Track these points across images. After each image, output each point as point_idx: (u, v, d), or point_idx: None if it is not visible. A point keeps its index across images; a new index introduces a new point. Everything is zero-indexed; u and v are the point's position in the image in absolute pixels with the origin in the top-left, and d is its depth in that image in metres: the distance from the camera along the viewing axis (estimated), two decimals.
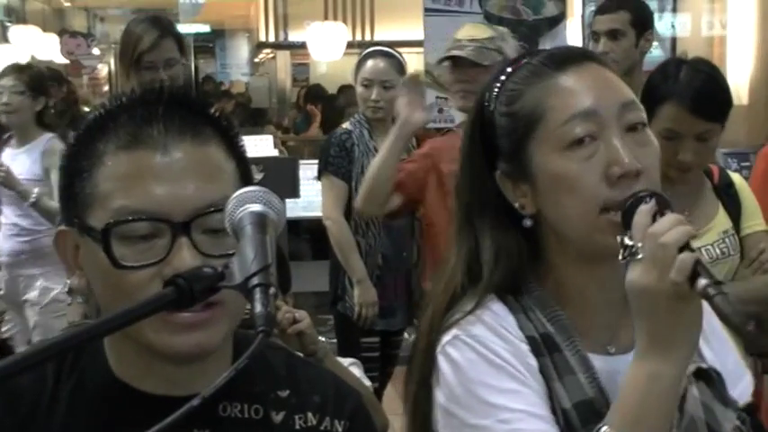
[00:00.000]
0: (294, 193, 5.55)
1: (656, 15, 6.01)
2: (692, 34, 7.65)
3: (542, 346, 1.34)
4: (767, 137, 3.64)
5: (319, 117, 10.89)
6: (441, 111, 5.37)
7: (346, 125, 4.29)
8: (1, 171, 4.67)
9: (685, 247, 1.19)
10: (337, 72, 12.35)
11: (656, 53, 5.77)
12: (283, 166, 5.73)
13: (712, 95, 2.61)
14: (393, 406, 4.73)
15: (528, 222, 1.38)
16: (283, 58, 15.43)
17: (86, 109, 9.34)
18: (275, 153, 6.38)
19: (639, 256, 1.22)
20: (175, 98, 1.23)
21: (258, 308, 0.95)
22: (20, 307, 4.96)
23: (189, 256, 1.14)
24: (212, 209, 1.13)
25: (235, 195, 1.06)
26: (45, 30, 12.57)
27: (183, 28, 9.63)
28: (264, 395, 1.28)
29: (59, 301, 4.51)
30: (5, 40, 11.72)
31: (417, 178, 3.49)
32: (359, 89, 4.22)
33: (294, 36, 14.45)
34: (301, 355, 2.34)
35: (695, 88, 2.57)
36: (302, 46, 13.23)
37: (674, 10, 6.29)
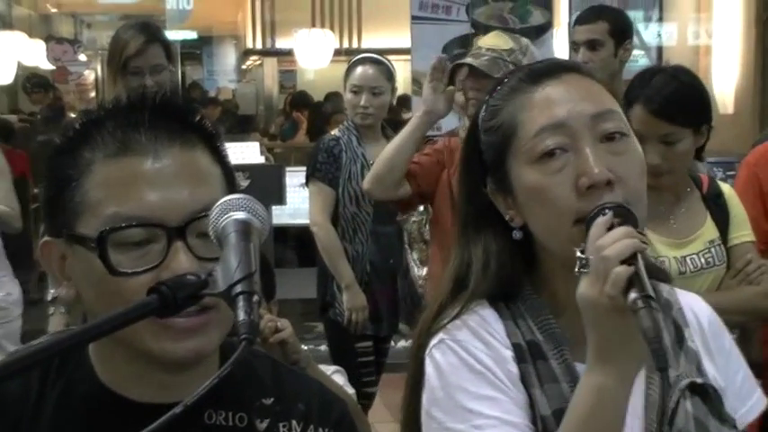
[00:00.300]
0: (280, 200, 5.55)
1: (642, 24, 6.05)
2: (679, 43, 7.68)
3: (527, 354, 1.35)
4: (754, 145, 3.64)
5: (305, 124, 10.88)
6: None
7: (335, 132, 4.29)
8: None
9: (630, 260, 1.19)
10: (324, 79, 12.37)
11: (642, 62, 5.80)
12: (269, 174, 5.73)
13: (677, 99, 2.62)
14: (379, 414, 4.74)
15: (517, 234, 1.39)
16: (270, 64, 15.45)
17: (73, 115, 9.32)
18: (262, 160, 6.37)
19: (587, 269, 1.23)
20: (161, 104, 1.23)
21: (241, 315, 0.95)
22: None
23: (185, 259, 1.14)
24: (205, 213, 1.12)
25: (219, 203, 1.06)
26: (31, 36, 12.56)
27: (171, 34, 9.61)
28: (249, 403, 1.28)
29: (2, 308, 4.51)
30: None
31: (431, 172, 3.49)
32: (348, 95, 4.22)
33: (281, 43, 14.47)
34: None
35: (659, 91, 2.59)
36: (289, 53, 13.26)
37: (661, 19, 6.32)
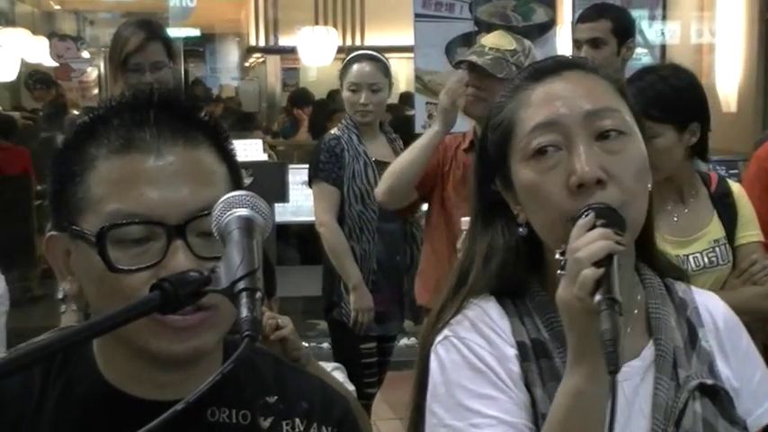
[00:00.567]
0: (283, 197, 5.55)
1: (645, 23, 6.04)
2: (682, 42, 7.67)
3: (530, 352, 1.35)
4: (755, 144, 3.64)
5: (306, 121, 10.87)
6: (430, 116, 5.37)
7: (334, 131, 4.27)
8: None
9: (603, 262, 1.19)
10: (327, 77, 12.35)
11: (645, 60, 5.79)
12: (272, 171, 5.73)
13: (657, 95, 2.62)
14: (381, 411, 4.74)
15: (523, 230, 1.39)
16: (273, 62, 15.43)
17: (75, 112, 9.31)
18: (264, 158, 6.37)
19: (565, 271, 1.24)
20: (166, 102, 1.23)
21: (244, 312, 0.95)
22: None
23: (184, 258, 1.14)
24: (206, 212, 1.12)
25: (222, 199, 1.06)
26: (34, 33, 12.54)
27: (174, 32, 9.62)
28: (252, 401, 1.28)
29: None
30: None
31: (434, 174, 3.51)
32: (346, 94, 4.21)
33: (284, 41, 14.45)
34: None
35: (640, 87, 2.59)
36: (292, 51, 13.24)
37: (664, 18, 6.32)
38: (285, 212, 5.89)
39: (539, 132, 1.33)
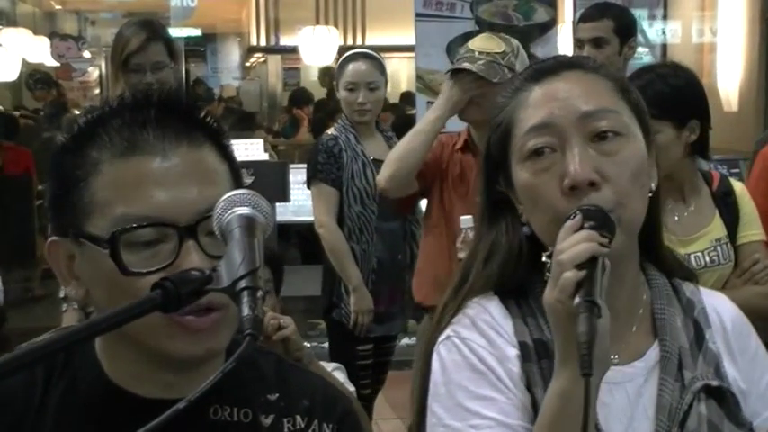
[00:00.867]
0: (284, 197, 5.55)
1: (646, 22, 6.04)
2: (683, 41, 7.68)
3: (532, 352, 1.35)
4: (757, 143, 3.64)
5: (306, 120, 10.87)
6: None
7: (331, 131, 4.25)
8: None
9: (585, 264, 1.19)
10: (329, 76, 12.35)
11: (646, 60, 5.79)
12: (273, 171, 5.72)
13: (656, 93, 2.62)
14: (381, 411, 4.74)
15: (527, 230, 1.39)
16: (274, 62, 15.44)
17: (77, 112, 9.31)
18: (265, 157, 6.37)
19: (548, 274, 1.24)
20: (167, 102, 1.22)
21: (245, 311, 0.95)
22: None
23: (197, 258, 1.14)
24: None
25: (223, 198, 1.06)
26: (36, 33, 12.55)
27: (175, 32, 9.61)
28: (254, 399, 1.28)
29: None
30: None
31: (431, 168, 3.49)
32: (343, 93, 4.19)
33: (285, 40, 14.46)
34: None
35: (639, 85, 2.60)
36: (293, 50, 13.25)
37: (665, 17, 6.32)
38: (286, 212, 5.89)
39: (534, 134, 1.34)
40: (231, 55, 17.12)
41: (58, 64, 11.78)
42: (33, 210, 8.52)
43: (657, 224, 1.45)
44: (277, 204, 5.36)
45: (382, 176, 3.50)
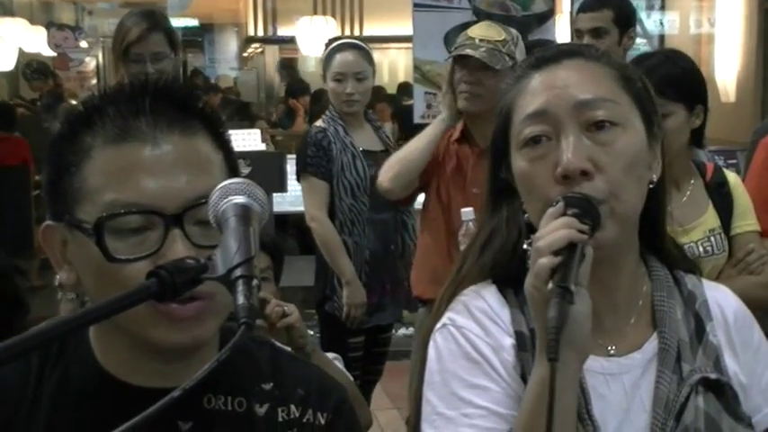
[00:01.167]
0: (281, 187, 5.54)
1: (644, 13, 6.05)
2: (681, 32, 7.68)
3: (529, 342, 1.34)
4: (754, 133, 3.63)
5: (302, 111, 10.86)
6: (429, 107, 5.36)
7: (319, 123, 4.21)
8: None
9: (563, 251, 1.20)
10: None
11: (643, 50, 5.79)
12: (270, 161, 5.72)
13: (666, 73, 2.63)
14: (378, 401, 4.74)
15: (526, 218, 1.38)
16: (272, 52, 15.43)
17: (73, 102, 9.31)
18: (263, 147, 6.37)
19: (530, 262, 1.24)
20: (162, 91, 1.22)
21: (240, 300, 0.95)
22: None
23: (182, 247, 1.14)
24: (204, 200, 1.12)
25: (219, 187, 1.06)
26: (32, 23, 12.54)
27: (172, 22, 9.61)
28: (248, 388, 1.28)
29: None
30: None
31: (431, 164, 3.50)
32: (331, 84, 4.15)
33: (283, 31, 14.46)
34: (289, 349, 2.34)
35: (649, 66, 2.60)
36: (291, 41, 13.24)
37: (663, 8, 6.32)
38: (283, 202, 5.88)
39: (530, 121, 1.33)
40: (228, 45, 17.12)
41: (55, 54, 11.78)
42: (31, 200, 8.51)
43: (660, 216, 1.44)
44: (274, 195, 5.36)
45: (385, 177, 3.50)
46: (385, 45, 14.09)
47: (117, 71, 3.55)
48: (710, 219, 2.74)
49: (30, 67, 11.82)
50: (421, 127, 3.87)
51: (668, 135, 2.64)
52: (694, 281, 1.46)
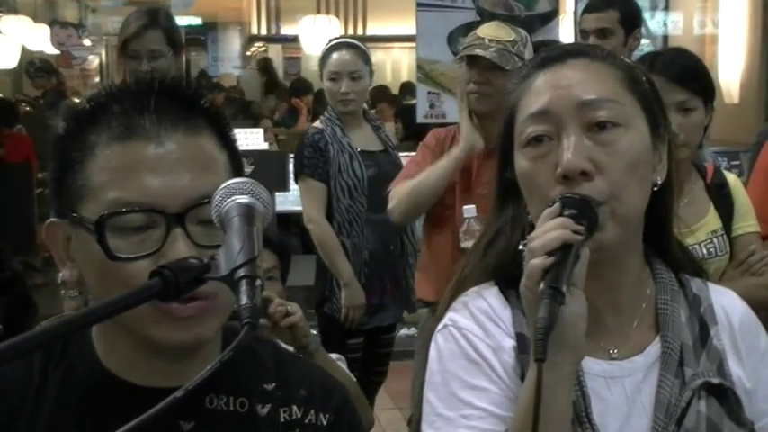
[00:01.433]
0: (284, 186, 5.54)
1: (648, 14, 6.04)
2: (684, 33, 7.67)
3: (529, 344, 1.33)
4: (759, 135, 3.63)
5: (305, 110, 10.86)
6: (432, 106, 5.36)
7: (317, 123, 4.20)
8: None
9: (557, 251, 1.19)
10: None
11: (647, 51, 5.79)
12: (273, 160, 5.72)
13: (691, 66, 2.64)
14: (380, 401, 4.74)
15: (531, 217, 1.37)
16: (275, 51, 15.43)
17: (76, 100, 9.31)
18: (265, 146, 6.36)
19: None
20: (167, 89, 1.22)
21: (244, 300, 0.95)
22: None
23: (184, 247, 1.14)
24: (206, 200, 1.11)
25: (222, 186, 1.05)
26: (36, 20, 12.53)
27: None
28: (250, 388, 1.28)
29: None
30: None
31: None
32: (327, 84, 4.14)
33: (286, 30, 14.46)
34: (292, 348, 2.34)
35: (674, 60, 2.61)
36: (294, 40, 13.23)
37: (667, 8, 6.32)
38: (286, 201, 5.88)
39: (533, 121, 1.33)
40: (232, 44, 17.10)
41: (59, 52, 11.77)
42: (34, 198, 8.51)
43: (667, 219, 1.43)
44: (277, 194, 5.35)
45: (396, 212, 3.44)
46: (388, 44, 14.11)
47: (119, 67, 3.55)
48: (712, 220, 2.74)
49: (33, 64, 11.82)
50: (424, 126, 3.87)
51: (694, 131, 2.65)
52: (700, 284, 1.45)
